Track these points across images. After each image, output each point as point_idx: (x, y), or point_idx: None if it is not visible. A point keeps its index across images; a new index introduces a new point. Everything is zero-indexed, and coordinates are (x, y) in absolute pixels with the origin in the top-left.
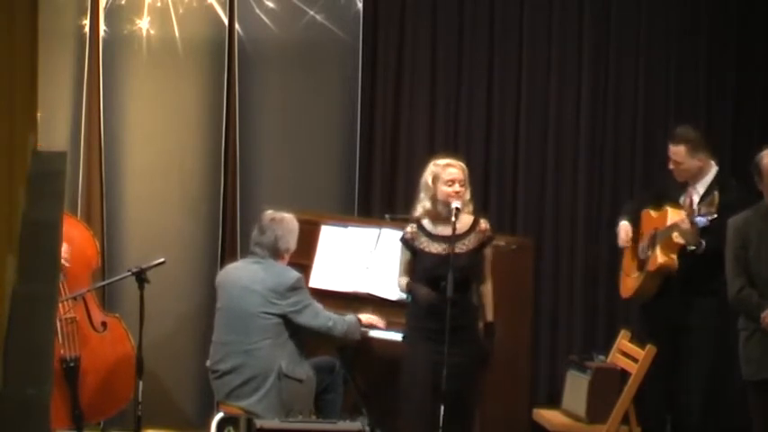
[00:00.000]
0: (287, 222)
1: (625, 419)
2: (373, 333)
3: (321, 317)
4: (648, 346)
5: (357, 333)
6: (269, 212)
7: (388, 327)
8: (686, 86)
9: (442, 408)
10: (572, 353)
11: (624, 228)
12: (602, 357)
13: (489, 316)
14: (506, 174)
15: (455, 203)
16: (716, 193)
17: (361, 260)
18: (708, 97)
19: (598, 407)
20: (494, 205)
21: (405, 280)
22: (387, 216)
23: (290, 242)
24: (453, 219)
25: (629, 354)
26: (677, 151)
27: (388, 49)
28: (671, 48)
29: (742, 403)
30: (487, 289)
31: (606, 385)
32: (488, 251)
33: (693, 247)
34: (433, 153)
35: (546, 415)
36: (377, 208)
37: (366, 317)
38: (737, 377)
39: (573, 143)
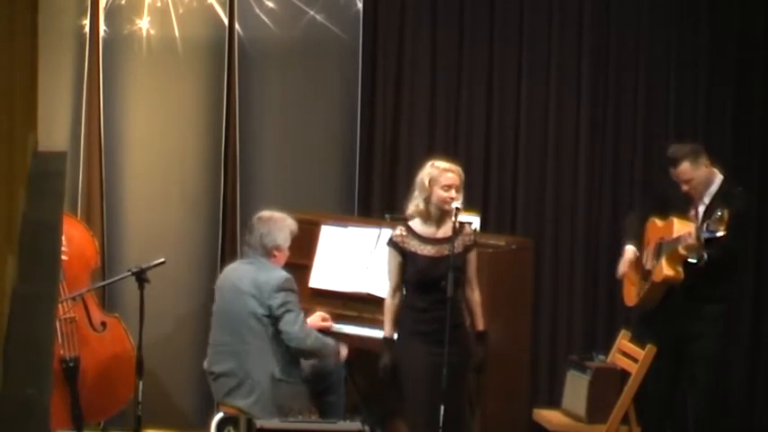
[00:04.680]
0: (274, 220)
1: (625, 419)
2: (373, 333)
3: (297, 325)
4: (649, 346)
5: (331, 357)
6: (259, 213)
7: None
8: (686, 86)
9: (442, 408)
10: (572, 353)
11: (628, 256)
12: (602, 357)
13: (480, 324)
14: (506, 174)
15: (455, 203)
16: (726, 210)
17: (361, 260)
18: (708, 96)
19: (598, 407)
20: (494, 205)
21: (392, 303)
22: (387, 216)
23: (278, 239)
24: (453, 218)
25: (629, 354)
26: (683, 170)
27: (388, 49)
28: (671, 47)
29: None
30: (475, 297)
31: (606, 385)
32: (473, 256)
33: (695, 261)
34: (433, 153)
35: (546, 415)
36: (377, 208)
37: (344, 352)
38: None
39: (573, 143)
